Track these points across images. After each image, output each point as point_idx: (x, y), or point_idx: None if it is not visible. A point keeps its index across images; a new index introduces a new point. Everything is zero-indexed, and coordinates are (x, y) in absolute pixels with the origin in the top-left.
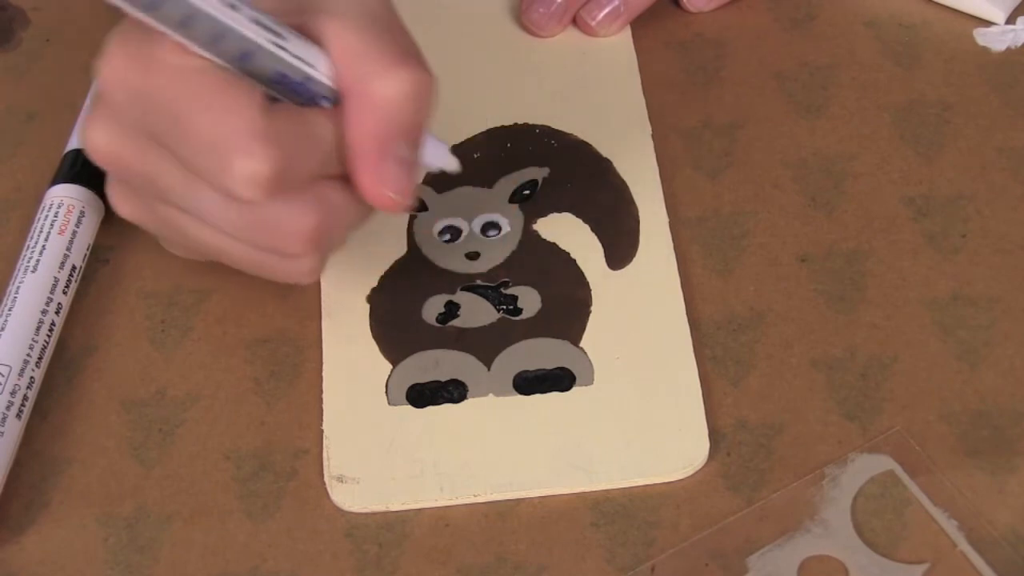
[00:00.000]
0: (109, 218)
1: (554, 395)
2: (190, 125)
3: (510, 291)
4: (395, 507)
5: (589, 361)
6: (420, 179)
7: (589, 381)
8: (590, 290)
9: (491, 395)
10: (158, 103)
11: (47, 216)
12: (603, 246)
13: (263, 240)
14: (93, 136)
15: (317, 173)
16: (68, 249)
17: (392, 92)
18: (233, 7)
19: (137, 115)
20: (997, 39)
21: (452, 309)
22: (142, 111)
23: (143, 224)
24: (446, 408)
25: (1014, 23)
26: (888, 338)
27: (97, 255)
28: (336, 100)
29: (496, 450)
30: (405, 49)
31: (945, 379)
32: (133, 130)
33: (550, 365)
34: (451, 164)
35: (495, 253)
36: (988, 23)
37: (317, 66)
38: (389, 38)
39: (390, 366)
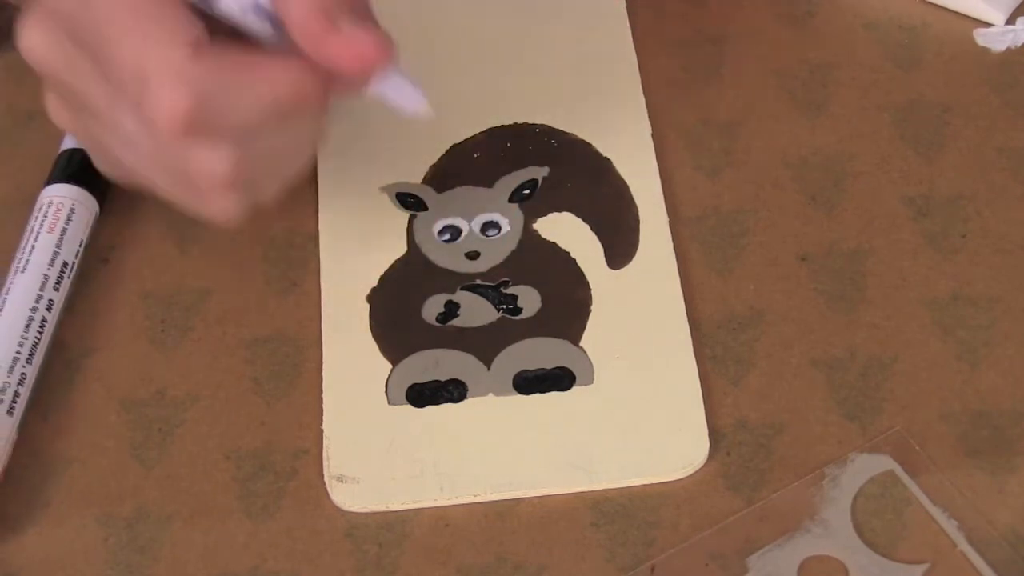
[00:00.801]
0: (109, 218)
1: (554, 395)
2: (121, 47)
3: (510, 291)
4: (395, 507)
5: (589, 361)
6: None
7: (589, 381)
8: (590, 290)
9: (491, 395)
10: (94, 19)
11: (38, 217)
12: (603, 246)
13: (177, 173)
14: (28, 37)
15: (245, 120)
16: (58, 246)
17: None
18: None
19: (72, 25)
20: (997, 39)
21: (452, 309)
22: (78, 22)
23: (74, 135)
24: (446, 408)
25: (1014, 23)
26: (888, 338)
27: (97, 255)
28: (274, 22)
29: (496, 450)
30: None
31: (945, 379)
32: (67, 39)
33: (550, 365)
34: (417, 104)
35: (495, 253)
36: (988, 24)
37: None
38: None
39: (390, 366)
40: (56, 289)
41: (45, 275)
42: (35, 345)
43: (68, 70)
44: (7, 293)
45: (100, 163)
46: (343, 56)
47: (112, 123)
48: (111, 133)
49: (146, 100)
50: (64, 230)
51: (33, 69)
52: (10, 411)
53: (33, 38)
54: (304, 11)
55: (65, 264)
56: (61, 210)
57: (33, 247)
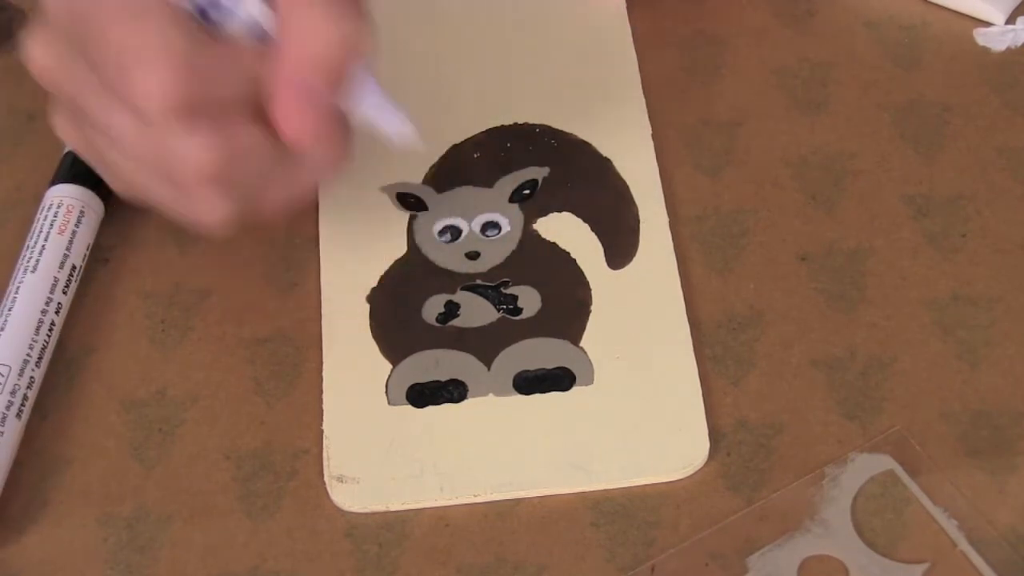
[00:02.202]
0: (109, 218)
1: (554, 395)
2: (107, 34)
3: (510, 291)
4: (395, 507)
5: (589, 361)
6: (350, 136)
7: (589, 381)
8: (590, 290)
9: (491, 395)
10: (88, 20)
11: (47, 216)
12: (603, 246)
13: (163, 167)
14: (31, 50)
15: (232, 108)
16: (68, 249)
17: (323, 33)
18: None
19: (68, 27)
20: (997, 39)
21: (452, 309)
22: (74, 29)
23: (79, 151)
24: (446, 408)
25: (1014, 23)
26: (888, 338)
27: (97, 255)
28: (263, 37)
29: (496, 450)
30: None
31: (945, 379)
32: (65, 46)
33: (550, 365)
34: (401, 129)
35: (495, 253)
36: (988, 23)
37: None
38: None
39: (390, 366)
40: (64, 292)
41: (56, 278)
42: (43, 348)
43: (68, 79)
44: (16, 292)
45: (110, 179)
46: (282, 125)
47: (107, 127)
48: (107, 139)
49: (135, 81)
50: (74, 232)
51: (36, 80)
52: (19, 414)
53: (36, 51)
54: (287, 67)
55: (73, 268)
56: (71, 212)
57: (43, 247)
